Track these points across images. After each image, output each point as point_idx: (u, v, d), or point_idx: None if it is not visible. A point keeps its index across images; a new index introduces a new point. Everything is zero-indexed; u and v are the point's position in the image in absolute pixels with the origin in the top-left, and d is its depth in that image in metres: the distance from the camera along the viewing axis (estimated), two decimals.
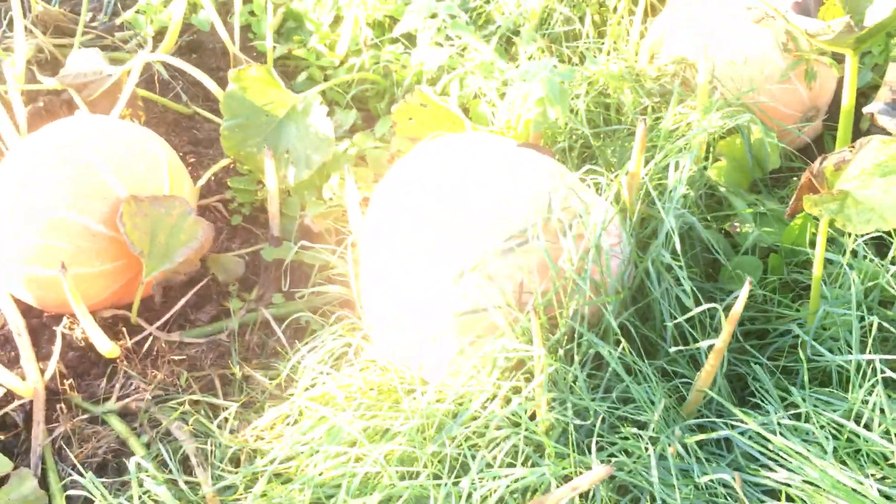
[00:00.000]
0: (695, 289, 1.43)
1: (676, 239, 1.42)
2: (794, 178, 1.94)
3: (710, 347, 1.27)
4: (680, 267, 1.40)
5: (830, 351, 1.43)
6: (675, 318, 1.41)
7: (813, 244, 1.70)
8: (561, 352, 1.33)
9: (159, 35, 2.35)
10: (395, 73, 2.21)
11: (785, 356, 1.48)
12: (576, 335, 1.33)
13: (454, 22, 2.00)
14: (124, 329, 1.65)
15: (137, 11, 2.38)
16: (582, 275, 1.33)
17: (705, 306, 1.27)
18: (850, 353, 1.37)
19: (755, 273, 1.67)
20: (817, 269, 1.38)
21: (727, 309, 1.54)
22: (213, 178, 1.97)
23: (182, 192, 1.69)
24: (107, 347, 1.51)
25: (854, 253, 1.55)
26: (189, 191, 1.73)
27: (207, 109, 2.21)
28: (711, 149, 1.86)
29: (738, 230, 1.75)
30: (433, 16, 2.04)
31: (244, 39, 2.40)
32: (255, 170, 1.94)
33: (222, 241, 1.90)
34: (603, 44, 2.14)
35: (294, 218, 1.87)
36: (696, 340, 1.42)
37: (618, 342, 1.36)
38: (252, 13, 2.47)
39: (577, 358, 1.31)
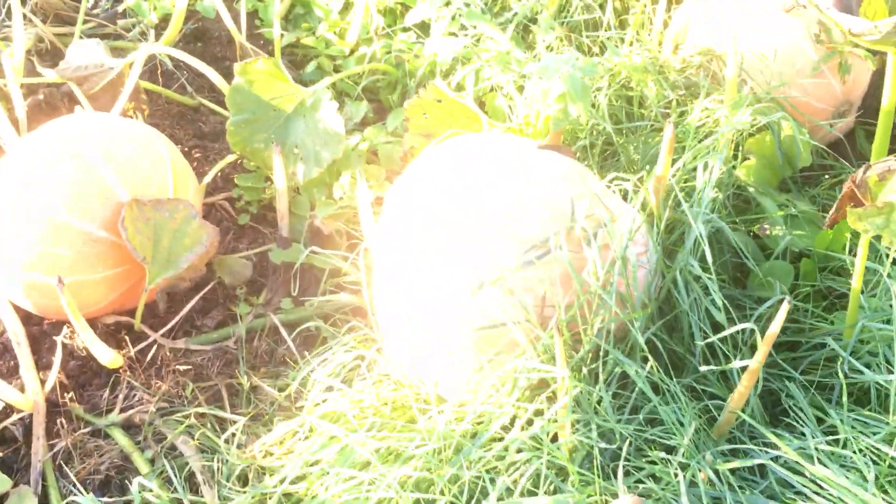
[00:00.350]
0: (724, 299, 1.36)
1: (706, 247, 1.35)
2: (826, 177, 1.85)
3: (744, 367, 1.19)
4: (710, 278, 1.32)
5: (868, 366, 1.36)
6: (705, 333, 1.34)
7: (847, 249, 1.62)
8: (585, 370, 1.26)
9: (163, 22, 2.27)
10: (407, 63, 2.13)
11: (820, 370, 1.41)
12: (601, 353, 1.26)
13: (469, 11, 1.92)
14: (127, 337, 1.59)
15: None
16: (608, 289, 1.25)
17: (739, 326, 1.20)
18: (891, 370, 1.30)
19: (786, 279, 1.59)
20: (857, 282, 1.31)
21: (759, 319, 1.48)
22: (219, 174, 1.90)
23: (187, 193, 1.62)
24: (108, 358, 1.45)
25: (895, 261, 1.47)
26: (194, 190, 1.66)
27: (213, 101, 2.14)
28: (740, 146, 1.77)
29: (767, 233, 1.67)
30: (447, 3, 1.95)
31: (251, 26, 2.31)
32: (263, 166, 1.87)
33: (229, 241, 1.83)
34: (625, 33, 2.05)
35: (304, 217, 1.80)
36: (726, 355, 1.34)
37: (644, 359, 1.29)
38: None
39: (602, 377, 1.24)
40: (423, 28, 2.23)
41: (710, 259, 1.32)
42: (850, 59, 1.82)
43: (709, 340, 1.28)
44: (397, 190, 1.48)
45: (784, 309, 1.12)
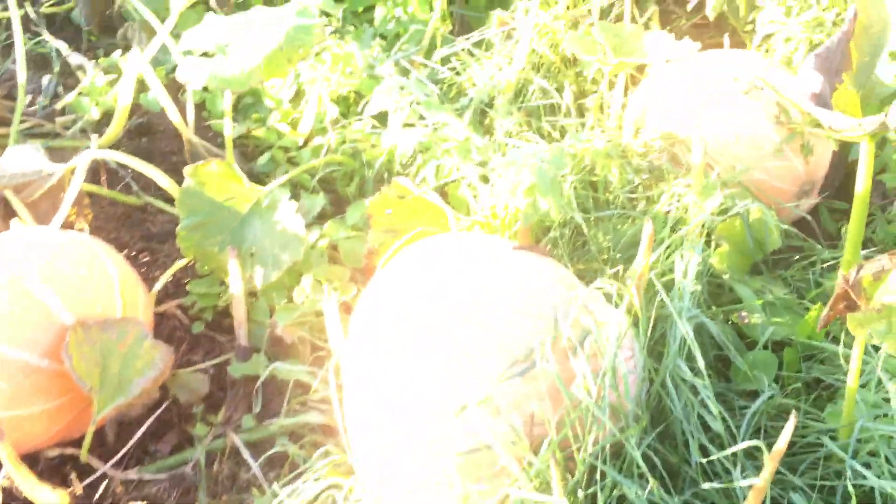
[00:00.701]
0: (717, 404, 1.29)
1: (696, 349, 1.28)
2: (796, 257, 1.83)
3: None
4: (705, 385, 1.26)
5: (867, 466, 1.30)
6: (699, 440, 1.27)
7: (829, 337, 1.58)
8: (581, 494, 1.17)
9: (105, 118, 2.17)
10: (364, 153, 2.06)
11: (819, 470, 1.35)
12: (597, 474, 1.17)
13: (427, 101, 1.86)
14: (74, 471, 1.45)
15: (80, 94, 2.20)
16: (600, 403, 1.18)
17: (744, 445, 1.13)
18: (894, 473, 1.25)
19: (770, 371, 1.54)
20: (854, 381, 1.25)
21: (746, 413, 1.42)
22: (170, 280, 1.78)
23: (136, 309, 1.50)
24: (49, 501, 1.31)
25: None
26: (144, 303, 1.54)
27: (161, 199, 2.03)
28: (710, 233, 1.73)
29: (747, 321, 1.62)
30: (404, 91, 1.90)
31: (198, 118, 2.23)
32: (218, 270, 1.77)
33: (183, 352, 1.71)
34: (584, 119, 2.02)
35: (263, 324, 1.70)
36: (724, 467, 1.27)
37: (641, 475, 1.21)
38: (205, 88, 2.30)
39: (601, 502, 1.15)
40: (380, 116, 2.18)
41: (701, 362, 1.26)
42: (811, 139, 1.82)
43: (710, 458, 1.21)
44: (365, 302, 1.40)
45: (791, 424, 1.06)
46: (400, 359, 1.25)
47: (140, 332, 1.41)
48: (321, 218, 2.02)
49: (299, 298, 1.66)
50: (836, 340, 1.57)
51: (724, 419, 1.28)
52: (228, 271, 1.70)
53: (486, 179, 1.85)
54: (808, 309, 1.61)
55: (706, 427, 1.31)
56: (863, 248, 1.90)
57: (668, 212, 1.72)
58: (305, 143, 2.17)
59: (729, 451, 1.17)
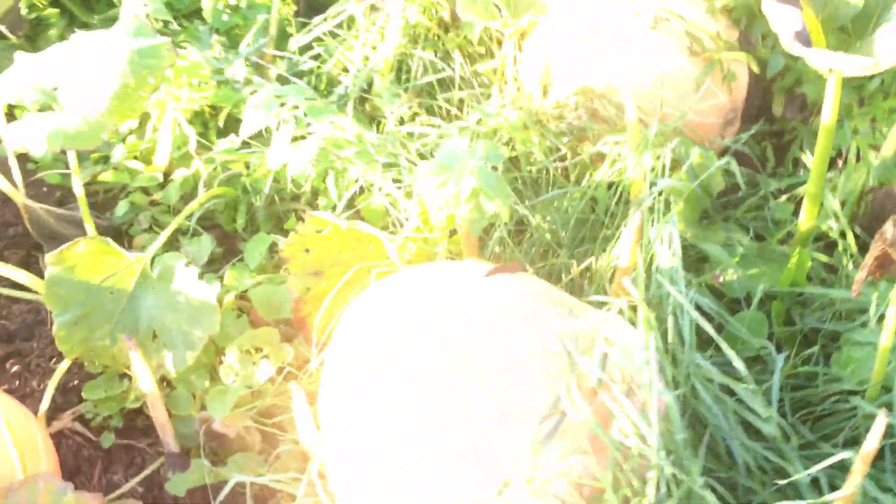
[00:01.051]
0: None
1: (721, 340, 1.13)
2: (739, 194, 1.72)
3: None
4: (747, 388, 1.11)
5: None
6: (741, 442, 1.13)
7: (812, 279, 1.49)
8: None
9: None
10: (243, 178, 1.76)
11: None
12: None
13: (312, 106, 1.59)
14: None
15: None
16: (652, 444, 1.01)
17: (836, 458, 0.99)
18: None
19: (761, 330, 1.43)
20: (889, 339, 1.14)
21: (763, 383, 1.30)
22: (56, 389, 1.45)
23: (36, 453, 1.18)
24: None
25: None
26: (43, 442, 1.22)
27: (9, 286, 1.66)
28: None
29: (721, 280, 1.50)
30: (282, 103, 1.61)
31: (25, 172, 1.83)
32: (113, 364, 1.45)
33: (99, 473, 1.40)
34: (481, 89, 1.81)
35: (190, 419, 1.41)
36: (768, 462, 1.15)
37: None
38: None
39: None
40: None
41: (732, 355, 1.10)
42: (730, 65, 1.70)
43: (780, 484, 1.07)
44: (340, 363, 1.16)
45: (882, 423, 0.93)
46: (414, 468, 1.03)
47: (54, 487, 1.10)
48: (212, 263, 1.72)
49: (229, 379, 1.38)
50: (822, 282, 1.48)
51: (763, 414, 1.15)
52: (126, 364, 1.40)
53: (397, 181, 1.62)
54: (778, 253, 1.51)
55: (745, 423, 1.17)
56: (793, 168, 1.83)
57: (608, 179, 1.56)
58: (167, 178, 1.84)
59: (800, 476, 1.03)
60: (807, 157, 1.76)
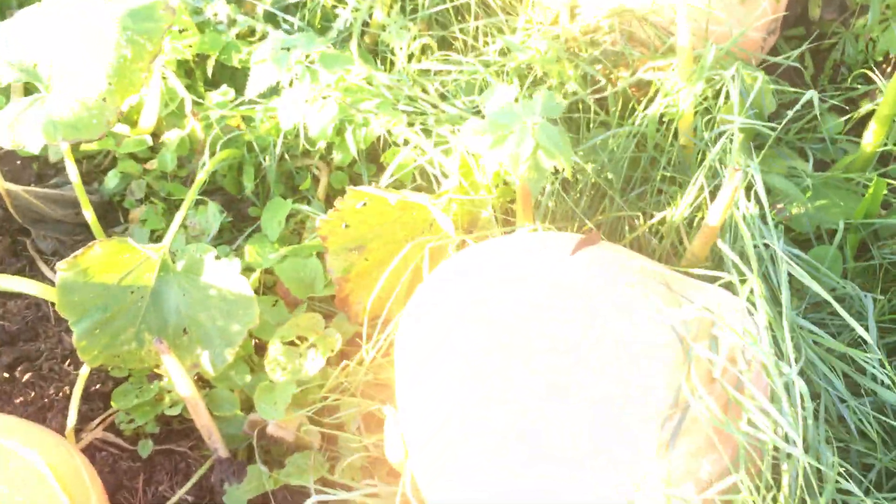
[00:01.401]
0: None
1: (826, 295, 1.03)
2: (788, 113, 1.60)
3: None
4: (868, 352, 1.03)
5: None
6: (864, 413, 1.06)
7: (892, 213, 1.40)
8: None
9: None
10: (246, 135, 1.59)
11: None
12: None
13: (324, 56, 1.40)
14: None
15: None
16: (794, 440, 0.92)
17: None
18: None
19: (837, 267, 1.34)
20: None
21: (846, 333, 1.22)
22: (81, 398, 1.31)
23: (84, 494, 1.06)
24: None
25: None
26: (88, 481, 1.10)
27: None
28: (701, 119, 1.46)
29: (785, 214, 1.40)
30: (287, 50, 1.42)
31: None
32: (141, 366, 1.31)
33: (142, 487, 1.29)
34: (506, 16, 1.63)
35: (235, 418, 1.29)
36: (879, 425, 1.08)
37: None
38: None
39: None
40: (234, 76, 1.69)
41: (854, 323, 1.01)
42: None
43: None
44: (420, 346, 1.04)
45: None
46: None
47: None
48: (219, 234, 1.57)
49: (275, 375, 1.26)
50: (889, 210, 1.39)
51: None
52: (156, 365, 1.27)
53: (427, 133, 1.46)
54: (849, 180, 1.41)
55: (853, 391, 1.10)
56: (833, 73, 1.71)
57: (658, 112, 1.42)
58: (157, 139, 1.65)
59: None
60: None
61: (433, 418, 0.98)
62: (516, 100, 1.18)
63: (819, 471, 0.97)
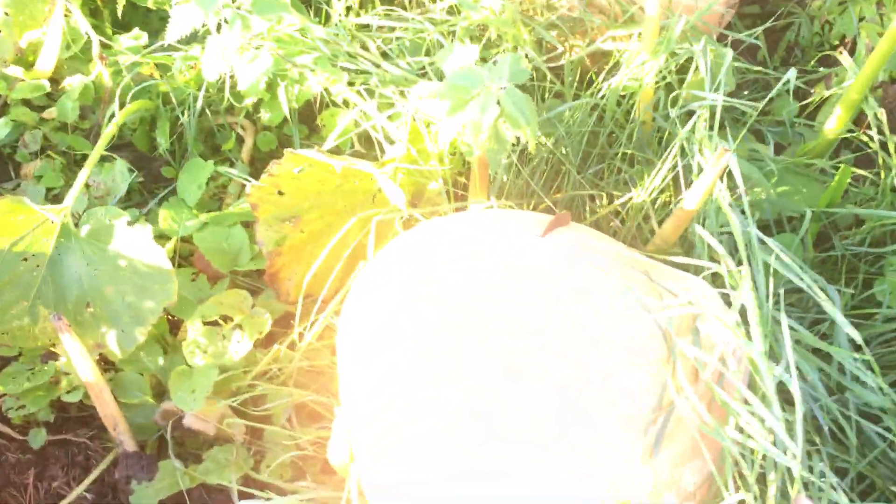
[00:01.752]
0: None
1: (817, 289, 0.96)
2: (745, 93, 1.54)
3: None
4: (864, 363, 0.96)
5: None
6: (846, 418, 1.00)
7: (848, 201, 1.35)
8: None
9: None
10: (161, 86, 1.41)
11: None
12: None
13: (257, 0, 1.24)
14: None
15: None
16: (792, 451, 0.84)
17: None
18: None
19: (798, 256, 1.28)
20: None
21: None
22: None
23: None
24: None
25: None
26: None
27: None
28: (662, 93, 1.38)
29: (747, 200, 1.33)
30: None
31: None
32: (35, 345, 1.14)
33: (33, 483, 1.12)
34: None
35: (144, 405, 1.14)
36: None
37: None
38: None
39: None
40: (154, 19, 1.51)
41: (834, 302, 0.94)
42: None
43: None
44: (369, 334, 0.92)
45: None
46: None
47: None
48: (128, 196, 1.40)
49: (194, 359, 1.11)
50: (850, 201, 1.34)
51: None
52: (52, 344, 1.11)
53: (370, 95, 1.33)
54: (808, 166, 1.36)
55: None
56: (786, 54, 1.66)
57: (620, 85, 1.33)
58: (56, 85, 1.45)
59: None
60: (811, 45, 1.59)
61: (377, 399, 0.88)
62: (477, 62, 1.06)
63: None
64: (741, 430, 0.85)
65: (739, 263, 1.07)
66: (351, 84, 1.32)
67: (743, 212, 1.07)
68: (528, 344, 0.86)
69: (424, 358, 0.85)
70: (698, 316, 0.91)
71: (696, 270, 1.08)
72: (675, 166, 1.18)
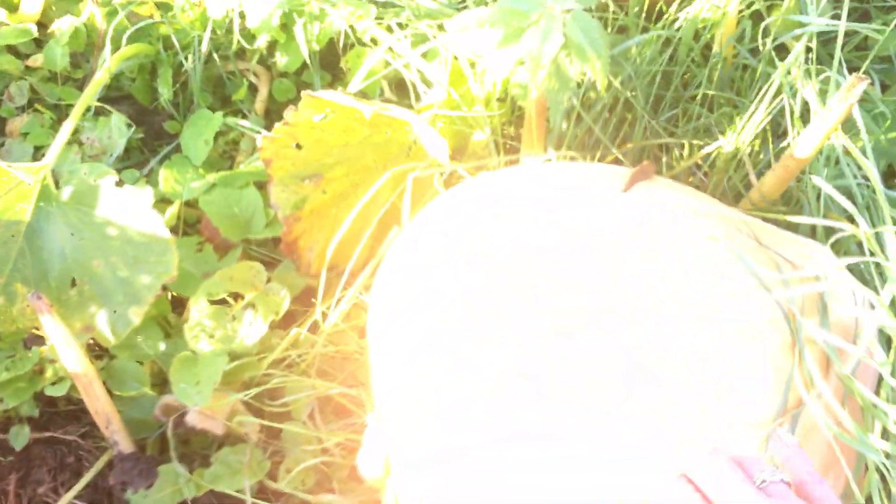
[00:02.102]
0: None
1: None
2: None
3: None
4: None
5: None
6: None
7: None
8: None
9: None
10: (162, 28, 1.23)
11: None
12: None
13: None
14: None
15: None
16: None
17: None
18: None
19: None
20: None
21: None
22: None
23: None
24: None
25: None
26: None
27: None
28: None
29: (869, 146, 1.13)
30: None
31: None
32: (13, 329, 0.97)
33: (14, 490, 0.96)
34: None
35: (145, 399, 0.97)
36: None
37: None
38: None
39: None
40: None
41: None
42: None
43: None
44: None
45: None
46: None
47: None
48: (127, 155, 1.22)
49: (199, 343, 0.93)
50: None
51: None
52: (34, 326, 0.94)
53: (402, 29, 1.13)
54: None
55: None
56: None
57: (698, 15, 1.12)
58: (44, 30, 1.28)
59: None
60: None
61: (412, 365, 0.76)
62: None
63: None
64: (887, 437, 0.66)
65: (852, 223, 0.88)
66: (379, 19, 1.12)
67: (870, 157, 0.87)
68: (583, 303, 0.71)
69: (466, 319, 0.74)
70: (824, 292, 0.72)
71: (804, 232, 0.89)
72: (771, 109, 0.98)
